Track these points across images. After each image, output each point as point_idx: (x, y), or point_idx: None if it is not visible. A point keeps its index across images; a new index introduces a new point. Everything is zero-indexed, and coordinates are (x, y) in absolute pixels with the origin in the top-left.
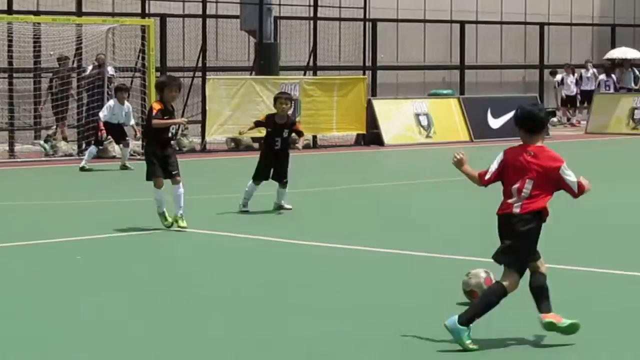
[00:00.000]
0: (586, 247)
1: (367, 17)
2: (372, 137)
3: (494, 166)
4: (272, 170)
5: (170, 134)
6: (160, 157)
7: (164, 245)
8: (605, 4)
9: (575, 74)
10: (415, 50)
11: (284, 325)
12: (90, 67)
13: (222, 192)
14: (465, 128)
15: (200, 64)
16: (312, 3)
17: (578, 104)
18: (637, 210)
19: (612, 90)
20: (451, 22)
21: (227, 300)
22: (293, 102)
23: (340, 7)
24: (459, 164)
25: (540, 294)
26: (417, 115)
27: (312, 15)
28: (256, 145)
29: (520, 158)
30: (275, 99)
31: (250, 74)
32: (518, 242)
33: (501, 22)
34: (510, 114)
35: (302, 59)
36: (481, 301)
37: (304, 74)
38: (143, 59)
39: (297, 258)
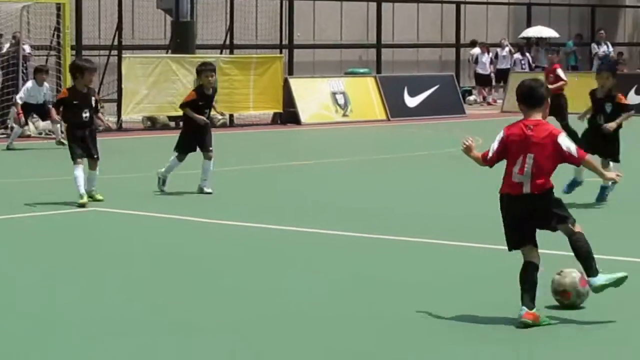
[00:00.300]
0: None
1: None
2: (288, 115)
3: (495, 145)
4: (196, 143)
5: (84, 117)
6: (79, 138)
7: (82, 224)
8: None
9: (491, 53)
10: (332, 28)
11: (210, 308)
12: (7, 45)
13: (140, 171)
14: (382, 107)
15: (116, 43)
16: None
17: (494, 83)
18: None
19: (527, 69)
20: (368, 0)
21: (149, 282)
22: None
23: None
24: (467, 150)
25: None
26: (334, 94)
27: None
28: (172, 124)
29: (520, 132)
30: (200, 72)
31: (167, 53)
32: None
33: (418, 1)
34: (427, 93)
35: (218, 37)
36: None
37: (221, 53)
38: (58, 37)
39: (220, 238)
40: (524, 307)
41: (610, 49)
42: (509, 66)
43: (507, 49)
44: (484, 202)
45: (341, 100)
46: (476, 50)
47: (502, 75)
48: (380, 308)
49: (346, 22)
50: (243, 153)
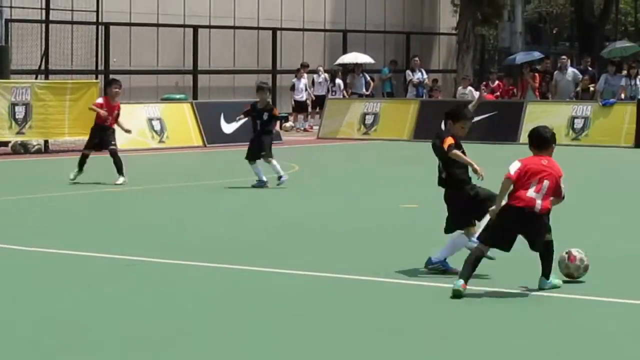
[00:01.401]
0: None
1: (100, 20)
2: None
3: (515, 166)
4: None
5: None
6: None
7: None
8: (336, 10)
9: (305, 79)
10: (148, 54)
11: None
12: None
13: None
14: (198, 133)
15: None
16: (44, 6)
17: (310, 109)
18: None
19: (338, 95)
20: (184, 26)
21: None
22: None
23: (72, 10)
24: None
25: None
26: (150, 120)
27: (44, 18)
28: None
29: (537, 162)
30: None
31: None
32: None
33: (234, 27)
34: (245, 118)
35: (34, 62)
36: None
37: (36, 78)
38: None
39: (25, 266)
40: (462, 280)
41: (425, 75)
42: (324, 92)
43: (323, 75)
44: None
45: (157, 127)
46: (293, 80)
47: (319, 102)
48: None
49: (162, 48)
50: (57, 180)
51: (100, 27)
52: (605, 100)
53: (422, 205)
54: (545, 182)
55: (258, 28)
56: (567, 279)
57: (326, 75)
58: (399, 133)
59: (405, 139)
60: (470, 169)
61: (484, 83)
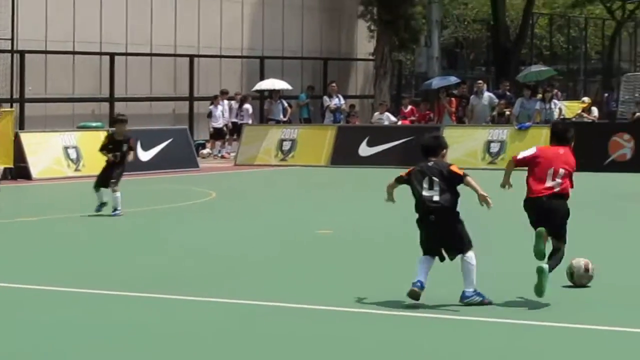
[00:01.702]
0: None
1: (15, 48)
2: (19, 171)
3: (526, 152)
4: None
5: None
6: None
7: None
8: (253, 37)
9: (222, 106)
10: (64, 82)
11: None
12: None
13: None
14: None
15: None
16: None
17: (227, 136)
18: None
19: (245, 121)
20: (101, 54)
21: None
22: None
23: None
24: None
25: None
26: (66, 148)
27: None
28: None
29: (552, 151)
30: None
31: None
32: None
33: (151, 54)
34: (161, 146)
35: None
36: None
37: None
38: None
39: None
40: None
41: (342, 101)
42: (243, 119)
43: (244, 103)
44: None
45: (73, 155)
46: (210, 107)
47: (236, 128)
48: None
49: (78, 76)
50: None
51: (15, 54)
52: (521, 124)
53: (337, 231)
54: (562, 169)
55: (175, 55)
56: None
57: (232, 102)
58: (317, 159)
59: (322, 165)
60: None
61: (399, 109)
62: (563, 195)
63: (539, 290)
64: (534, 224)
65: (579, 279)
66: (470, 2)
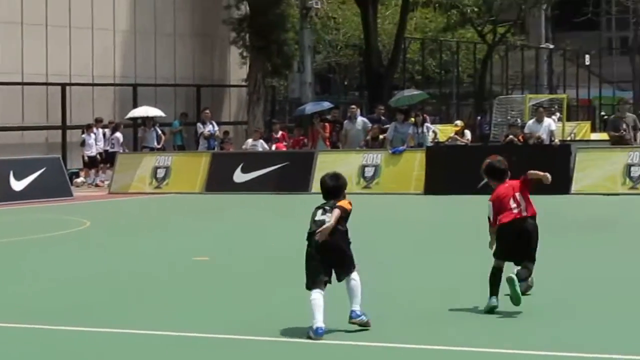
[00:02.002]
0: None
1: None
2: None
3: (490, 212)
4: None
5: None
6: None
7: None
8: (126, 65)
9: (95, 134)
10: None
11: None
12: None
13: None
14: None
15: None
16: None
17: (101, 164)
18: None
19: (116, 149)
20: None
21: None
22: None
23: None
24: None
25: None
26: None
27: None
28: None
29: (501, 188)
30: None
31: None
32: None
33: (22, 83)
34: (34, 176)
35: None
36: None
37: None
38: None
39: None
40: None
41: (216, 127)
42: (115, 148)
43: (108, 130)
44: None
45: None
46: (83, 136)
47: (109, 157)
48: None
49: None
50: None
51: None
52: (395, 148)
53: (213, 258)
54: (518, 195)
55: (47, 84)
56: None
57: (106, 130)
58: (191, 186)
59: (197, 192)
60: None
61: (270, 135)
62: (533, 217)
63: (517, 298)
64: (509, 250)
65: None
66: (343, 27)
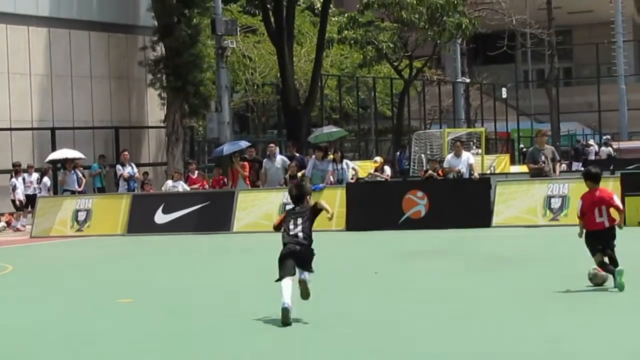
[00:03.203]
0: None
1: None
2: None
3: (579, 206)
4: None
5: None
6: None
7: None
8: (43, 108)
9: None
10: None
11: None
12: None
13: None
14: None
15: None
16: None
17: (23, 209)
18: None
19: (43, 193)
20: None
21: None
22: None
23: None
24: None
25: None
26: None
27: None
28: None
29: (595, 194)
30: None
31: None
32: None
33: None
34: None
35: None
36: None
37: None
38: None
39: None
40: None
41: (135, 169)
42: (36, 192)
43: (34, 175)
44: None
45: None
46: (13, 180)
47: (30, 201)
48: None
49: None
50: None
51: None
52: (315, 185)
53: (138, 300)
54: (603, 207)
55: None
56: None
57: (26, 175)
58: (113, 228)
59: (119, 234)
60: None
61: (186, 175)
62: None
63: (621, 285)
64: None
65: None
66: (259, 66)
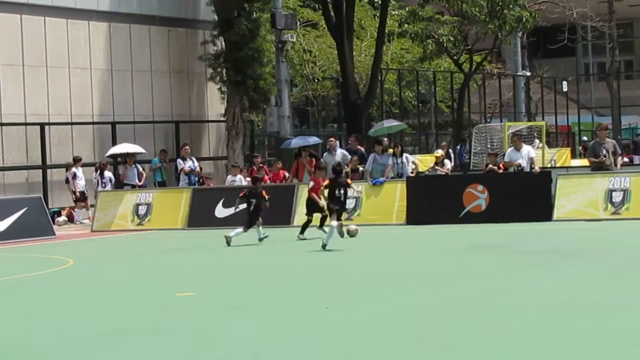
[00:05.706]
0: None
1: None
2: None
3: None
4: None
5: None
6: None
7: None
8: (104, 103)
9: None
10: None
11: None
12: None
13: None
14: None
15: None
16: None
17: (85, 201)
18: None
19: (107, 188)
20: None
21: None
22: None
23: None
24: None
25: None
26: None
27: None
28: None
29: None
30: None
31: None
32: None
33: (1, 124)
34: (15, 216)
35: None
36: None
37: None
38: None
39: None
40: None
41: (196, 164)
42: (107, 187)
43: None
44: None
45: None
46: (72, 170)
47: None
48: None
49: None
50: None
51: None
52: (375, 179)
53: (199, 294)
54: None
55: (25, 124)
56: None
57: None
58: (173, 222)
59: (179, 228)
60: None
61: (251, 168)
62: None
63: None
64: None
65: None
66: (319, 60)
